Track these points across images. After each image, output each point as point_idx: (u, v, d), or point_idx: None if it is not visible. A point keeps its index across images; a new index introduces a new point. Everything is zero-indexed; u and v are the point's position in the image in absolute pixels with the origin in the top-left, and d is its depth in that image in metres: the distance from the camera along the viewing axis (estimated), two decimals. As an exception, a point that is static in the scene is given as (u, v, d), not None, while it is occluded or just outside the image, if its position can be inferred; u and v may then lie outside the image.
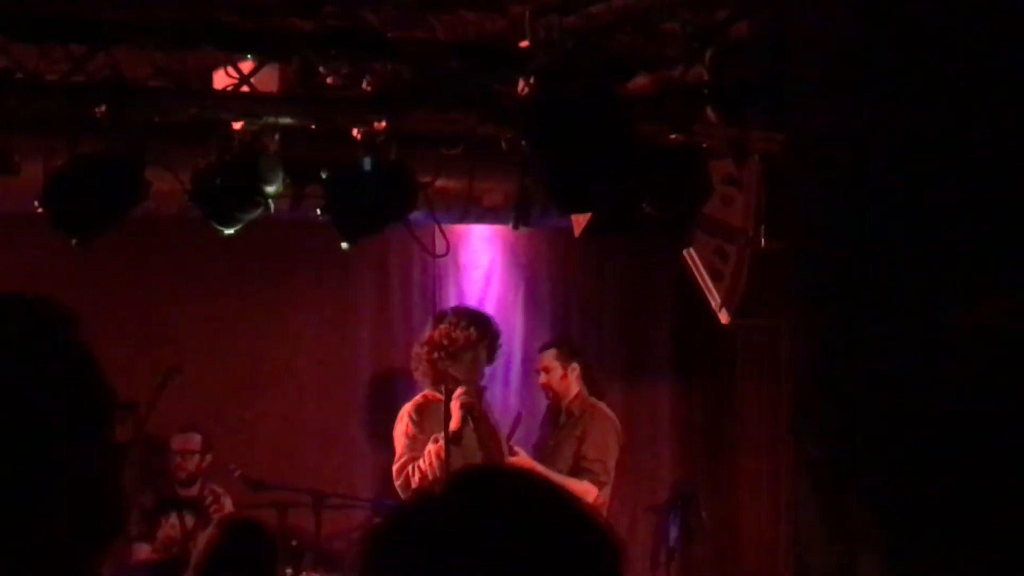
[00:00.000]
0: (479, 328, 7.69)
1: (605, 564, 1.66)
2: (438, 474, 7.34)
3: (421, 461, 7.47)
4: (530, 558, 1.62)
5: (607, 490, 7.91)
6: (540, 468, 7.36)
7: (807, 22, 2.79)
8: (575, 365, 8.09)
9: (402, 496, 7.52)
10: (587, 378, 8.14)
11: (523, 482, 1.79)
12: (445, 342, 7.64)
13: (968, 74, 2.50)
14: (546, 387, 8.11)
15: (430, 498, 1.76)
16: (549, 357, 8.11)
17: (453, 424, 7.47)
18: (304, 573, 7.39)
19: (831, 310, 2.43)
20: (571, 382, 8.06)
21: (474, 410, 7.59)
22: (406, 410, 7.72)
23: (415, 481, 7.46)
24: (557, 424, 8.16)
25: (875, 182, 2.63)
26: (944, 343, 1.00)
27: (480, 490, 1.73)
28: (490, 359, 7.81)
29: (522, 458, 7.75)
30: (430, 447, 7.46)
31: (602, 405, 8.14)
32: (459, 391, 7.53)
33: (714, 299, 7.20)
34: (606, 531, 1.69)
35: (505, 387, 8.78)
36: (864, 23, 2.62)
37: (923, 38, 2.53)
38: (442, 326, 7.72)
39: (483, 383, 7.86)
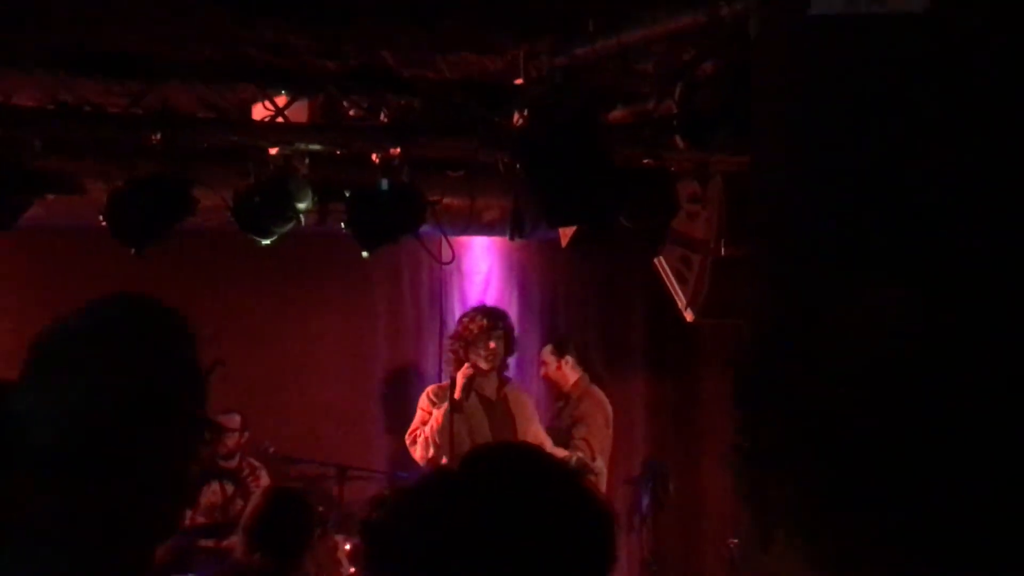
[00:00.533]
0: (490, 319, 7.69)
1: (600, 528, 1.64)
2: (437, 439, 7.39)
3: (427, 427, 7.50)
4: (534, 526, 1.59)
5: (599, 464, 7.91)
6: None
7: (770, 58, 2.79)
8: (568, 357, 8.13)
9: (410, 451, 7.58)
10: (586, 367, 8.19)
11: (530, 458, 1.76)
12: (465, 333, 7.68)
13: (898, 108, 2.51)
14: (545, 378, 8.16)
15: (446, 474, 1.74)
16: (545, 353, 8.18)
17: (456, 393, 7.49)
18: (329, 534, 7.38)
19: (772, 311, 2.40)
20: (566, 372, 8.10)
21: (475, 380, 7.56)
22: (427, 391, 7.77)
23: (420, 442, 7.51)
24: (558, 407, 8.22)
25: (824, 198, 2.63)
26: (835, 337, 0.98)
27: (491, 465, 1.71)
28: (508, 349, 7.73)
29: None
30: (435, 412, 7.48)
31: (597, 391, 8.16)
32: (465, 366, 7.55)
33: (680, 300, 7.19)
34: (601, 501, 1.67)
35: (501, 375, 8.80)
36: (818, 61, 2.63)
37: (870, 73, 2.54)
38: (464, 320, 7.76)
39: (507, 373, 7.82)
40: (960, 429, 0.98)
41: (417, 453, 7.54)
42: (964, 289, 1.00)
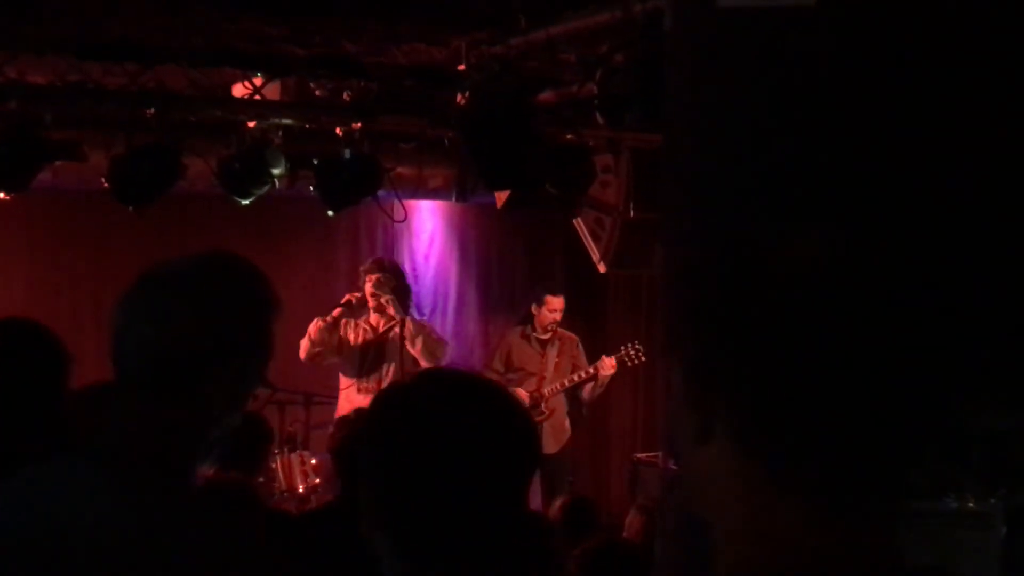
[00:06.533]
0: (374, 263, 7.37)
1: (528, 431, 1.66)
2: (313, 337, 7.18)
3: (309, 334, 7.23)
4: (473, 433, 1.58)
5: None
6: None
7: (682, 48, 2.78)
8: None
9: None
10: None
11: (469, 378, 1.78)
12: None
13: (794, 89, 2.53)
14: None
15: (402, 386, 1.74)
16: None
17: (335, 312, 7.28)
18: (298, 451, 7.32)
19: (696, 251, 2.40)
20: None
21: (351, 304, 7.24)
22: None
23: (304, 343, 7.22)
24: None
25: (728, 163, 2.64)
26: (767, 271, 0.98)
27: (440, 382, 1.71)
28: (396, 293, 7.24)
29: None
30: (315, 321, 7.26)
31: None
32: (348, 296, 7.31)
33: (595, 255, 7.22)
34: (527, 414, 1.69)
35: (443, 318, 8.76)
36: (726, 49, 2.63)
37: (769, 58, 2.54)
38: None
39: (396, 311, 7.25)
40: (869, 347, 0.99)
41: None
42: (871, 227, 1.01)
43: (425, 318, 8.69)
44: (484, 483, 1.56)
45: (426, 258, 8.67)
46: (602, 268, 7.25)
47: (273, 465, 7.10)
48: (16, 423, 2.67)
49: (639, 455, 7.82)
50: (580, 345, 7.93)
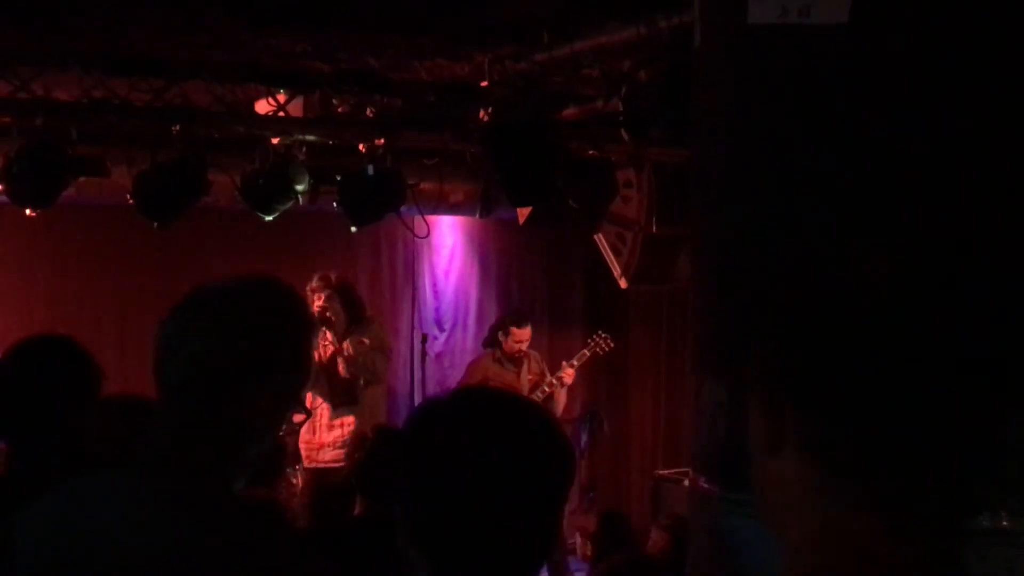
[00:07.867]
0: (322, 281, 7.14)
1: (563, 449, 1.66)
2: None
3: None
4: (511, 444, 1.59)
5: None
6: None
7: (711, 63, 2.79)
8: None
9: None
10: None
11: (506, 394, 1.78)
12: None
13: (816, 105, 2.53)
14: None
15: (438, 403, 1.74)
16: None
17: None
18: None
19: (731, 264, 2.40)
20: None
21: (325, 313, 7.05)
22: None
23: None
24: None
25: (759, 176, 2.63)
26: (839, 285, 0.99)
27: (476, 400, 1.71)
28: (346, 309, 7.15)
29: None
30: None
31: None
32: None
33: (616, 270, 7.22)
34: (562, 431, 1.69)
35: (464, 332, 8.77)
36: (756, 65, 2.63)
37: (799, 74, 2.54)
38: None
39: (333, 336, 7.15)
40: (940, 360, 0.99)
41: None
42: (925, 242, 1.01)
43: (446, 334, 8.69)
44: (522, 500, 1.56)
45: (446, 273, 8.67)
46: (623, 284, 7.25)
47: (295, 480, 7.10)
48: (49, 436, 2.70)
49: (661, 472, 7.80)
50: (542, 360, 7.94)
